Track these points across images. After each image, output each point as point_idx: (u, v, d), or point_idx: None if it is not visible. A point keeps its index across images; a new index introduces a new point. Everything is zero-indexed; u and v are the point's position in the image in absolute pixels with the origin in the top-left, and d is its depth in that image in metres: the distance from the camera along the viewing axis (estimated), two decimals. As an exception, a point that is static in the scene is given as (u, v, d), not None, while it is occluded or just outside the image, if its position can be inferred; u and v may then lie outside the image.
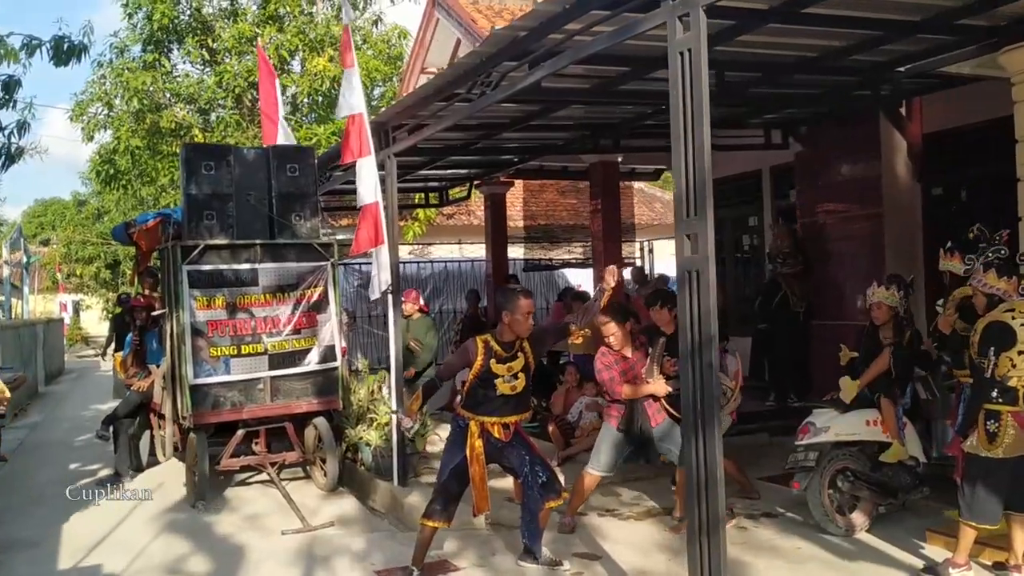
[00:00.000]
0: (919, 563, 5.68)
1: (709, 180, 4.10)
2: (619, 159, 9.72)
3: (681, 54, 4.15)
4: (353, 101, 7.39)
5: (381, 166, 7.63)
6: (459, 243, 20.97)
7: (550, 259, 15.73)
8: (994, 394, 5.11)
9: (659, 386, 6.38)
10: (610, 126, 9.00)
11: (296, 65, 19.03)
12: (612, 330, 6.51)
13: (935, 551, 5.83)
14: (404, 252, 17.97)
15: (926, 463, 6.38)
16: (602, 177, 9.59)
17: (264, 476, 8.43)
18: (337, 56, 17.63)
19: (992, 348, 5.05)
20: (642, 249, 17.93)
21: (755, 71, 6.74)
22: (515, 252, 15.79)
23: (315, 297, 8.03)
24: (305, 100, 18.25)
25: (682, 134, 4.19)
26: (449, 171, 12.12)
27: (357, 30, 18.88)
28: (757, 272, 12.16)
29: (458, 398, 10.26)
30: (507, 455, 5.57)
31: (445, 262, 17.45)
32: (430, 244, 20.95)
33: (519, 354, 5.48)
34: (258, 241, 7.88)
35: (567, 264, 15.77)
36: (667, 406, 6.48)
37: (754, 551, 6.02)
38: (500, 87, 6.01)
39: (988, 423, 5.13)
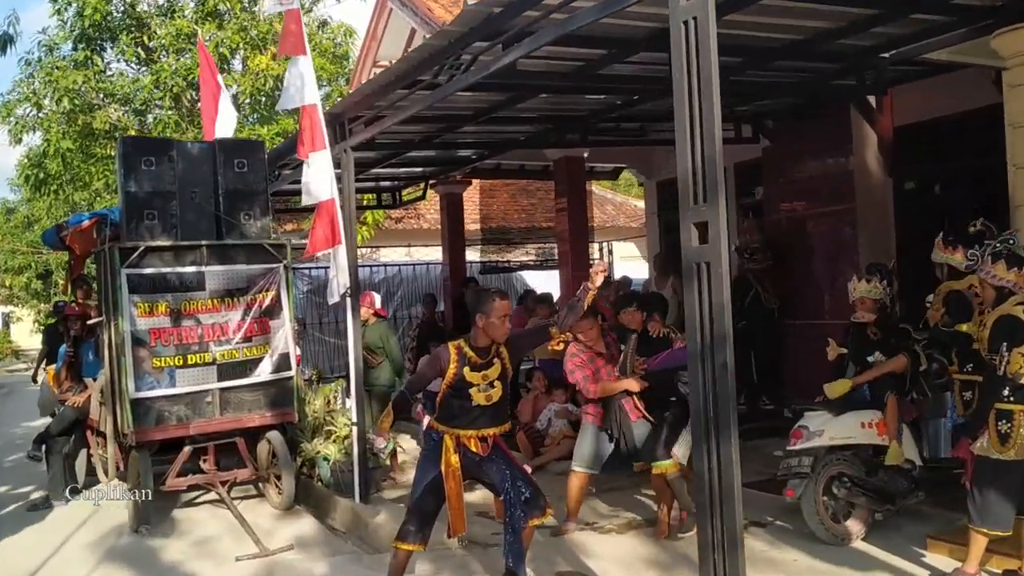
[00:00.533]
0: (924, 573, 5.36)
1: (720, 162, 3.70)
2: (585, 155, 9.32)
3: (685, 23, 3.75)
4: (306, 92, 6.95)
5: (337, 163, 7.16)
6: (408, 247, 20.45)
7: (507, 261, 15.29)
8: (1005, 392, 4.81)
9: (633, 382, 6.23)
10: (577, 119, 8.59)
11: (237, 63, 18.35)
12: (585, 326, 6.34)
13: (938, 559, 5.51)
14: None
15: (921, 466, 6.11)
16: (567, 174, 9.17)
17: (213, 495, 7.85)
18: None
19: (1004, 344, 4.74)
20: (601, 250, 17.58)
21: (738, 56, 6.39)
22: (470, 255, 15.31)
23: (267, 302, 7.48)
24: (247, 100, 17.56)
25: (687, 112, 3.78)
26: (403, 169, 11.61)
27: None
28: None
29: (419, 407, 9.81)
30: (486, 470, 5.11)
31: (398, 265, 16.86)
32: (379, 248, 20.39)
33: (495, 360, 5.02)
34: (204, 242, 7.30)
35: (524, 266, 15.34)
36: (639, 405, 6.31)
37: (749, 564, 5.58)
38: (470, 71, 5.55)
39: (999, 423, 4.83)
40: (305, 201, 6.98)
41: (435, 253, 19.11)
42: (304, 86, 6.92)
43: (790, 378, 9.74)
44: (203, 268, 7.24)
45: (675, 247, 12.76)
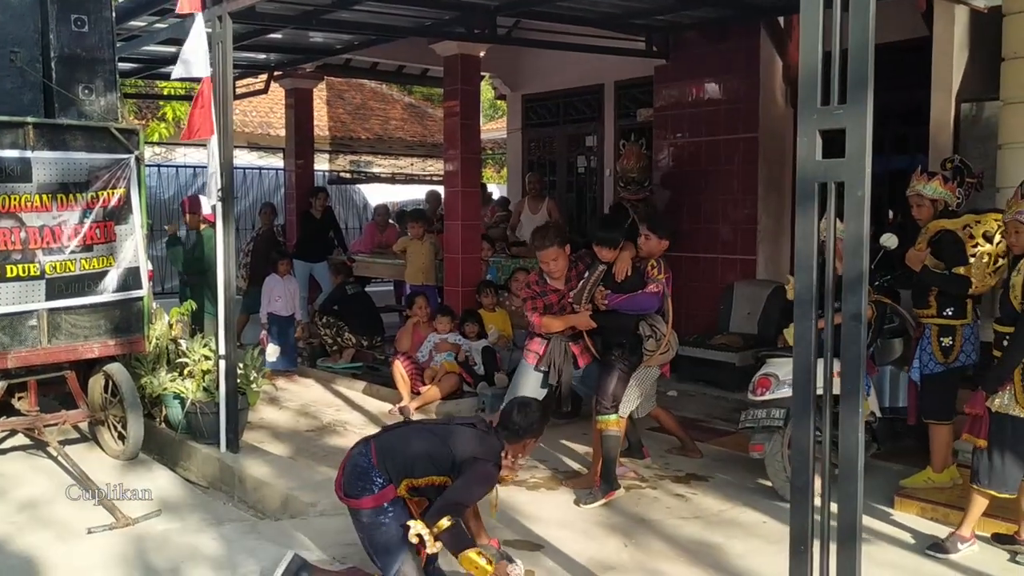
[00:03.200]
0: (902, 534, 4.96)
1: (871, 50, 2.84)
2: (482, 54, 8.19)
3: None
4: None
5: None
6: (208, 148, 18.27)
7: (358, 172, 13.81)
8: (1034, 346, 4.38)
9: (583, 318, 5.55)
10: (482, 8, 7.41)
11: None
12: (552, 255, 5.61)
13: (909, 518, 5.17)
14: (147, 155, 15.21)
15: (880, 418, 5.72)
16: (462, 73, 7.99)
17: (25, 440, 6.30)
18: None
19: (1054, 292, 4.28)
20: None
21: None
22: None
23: (113, 201, 5.92)
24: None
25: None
26: (244, 54, 9.90)
27: None
28: (593, 197, 11.21)
29: (263, 333, 8.49)
30: None
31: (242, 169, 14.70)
32: (175, 147, 18.11)
33: None
34: (30, 119, 5.61)
35: (375, 178, 13.89)
36: (591, 346, 5.65)
37: (715, 527, 5.04)
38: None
39: (1027, 378, 4.41)
40: (176, 74, 5.60)
41: (238, 158, 17.16)
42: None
43: (682, 315, 9.28)
44: (28, 153, 5.54)
45: (541, 167, 11.84)
